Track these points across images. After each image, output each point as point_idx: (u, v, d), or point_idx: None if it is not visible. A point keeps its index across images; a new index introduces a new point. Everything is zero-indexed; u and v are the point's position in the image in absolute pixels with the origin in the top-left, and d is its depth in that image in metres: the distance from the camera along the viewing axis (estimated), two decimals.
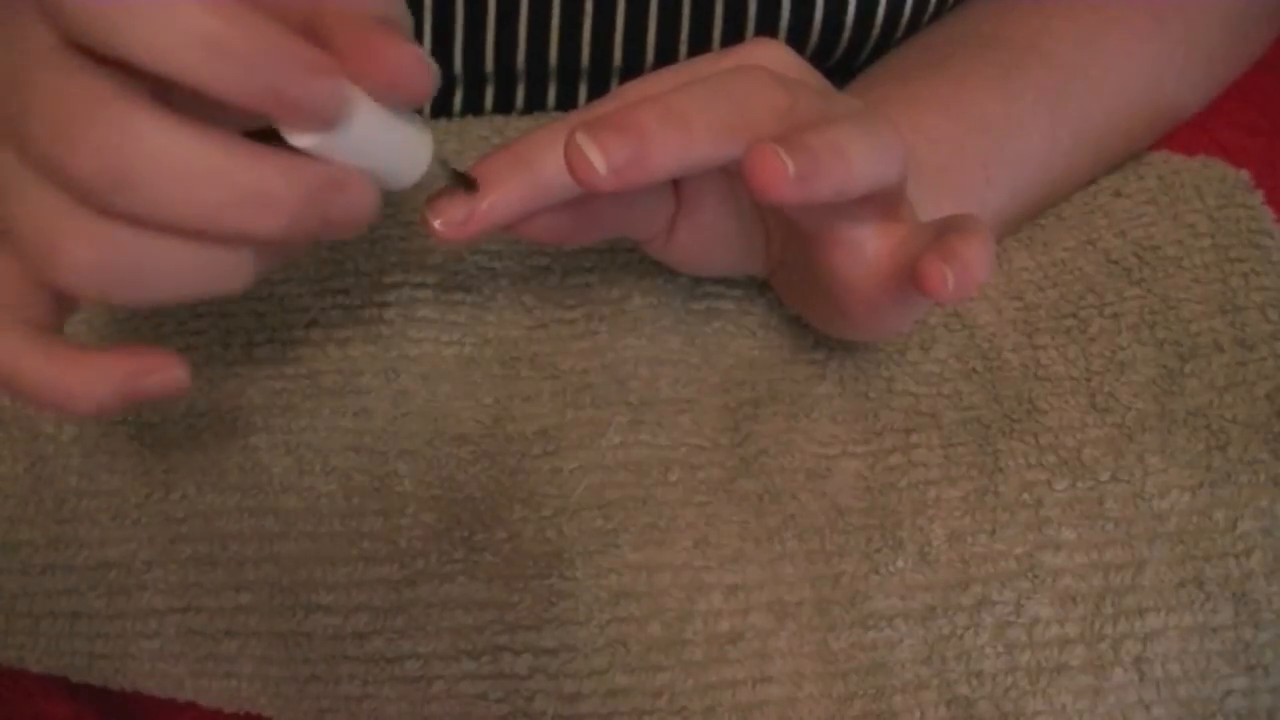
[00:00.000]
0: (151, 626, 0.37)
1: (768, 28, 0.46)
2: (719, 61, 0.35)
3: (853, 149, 0.31)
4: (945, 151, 0.42)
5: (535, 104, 0.50)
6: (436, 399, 0.40)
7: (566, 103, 0.50)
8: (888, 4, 0.47)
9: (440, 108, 0.50)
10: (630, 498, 0.38)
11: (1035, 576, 0.37)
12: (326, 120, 0.29)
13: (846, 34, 0.47)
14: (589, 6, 0.46)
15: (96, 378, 0.30)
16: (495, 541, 0.38)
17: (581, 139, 0.30)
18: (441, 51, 0.48)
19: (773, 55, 0.36)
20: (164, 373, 0.31)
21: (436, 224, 0.34)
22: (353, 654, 0.37)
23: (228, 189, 0.28)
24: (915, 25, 0.48)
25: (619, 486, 0.39)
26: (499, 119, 0.48)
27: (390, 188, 0.32)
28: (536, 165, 0.34)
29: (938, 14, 0.48)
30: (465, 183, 0.34)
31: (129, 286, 0.29)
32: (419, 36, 0.47)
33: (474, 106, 0.50)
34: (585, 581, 0.37)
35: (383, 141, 0.31)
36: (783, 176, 0.30)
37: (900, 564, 0.37)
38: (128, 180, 0.27)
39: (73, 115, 0.27)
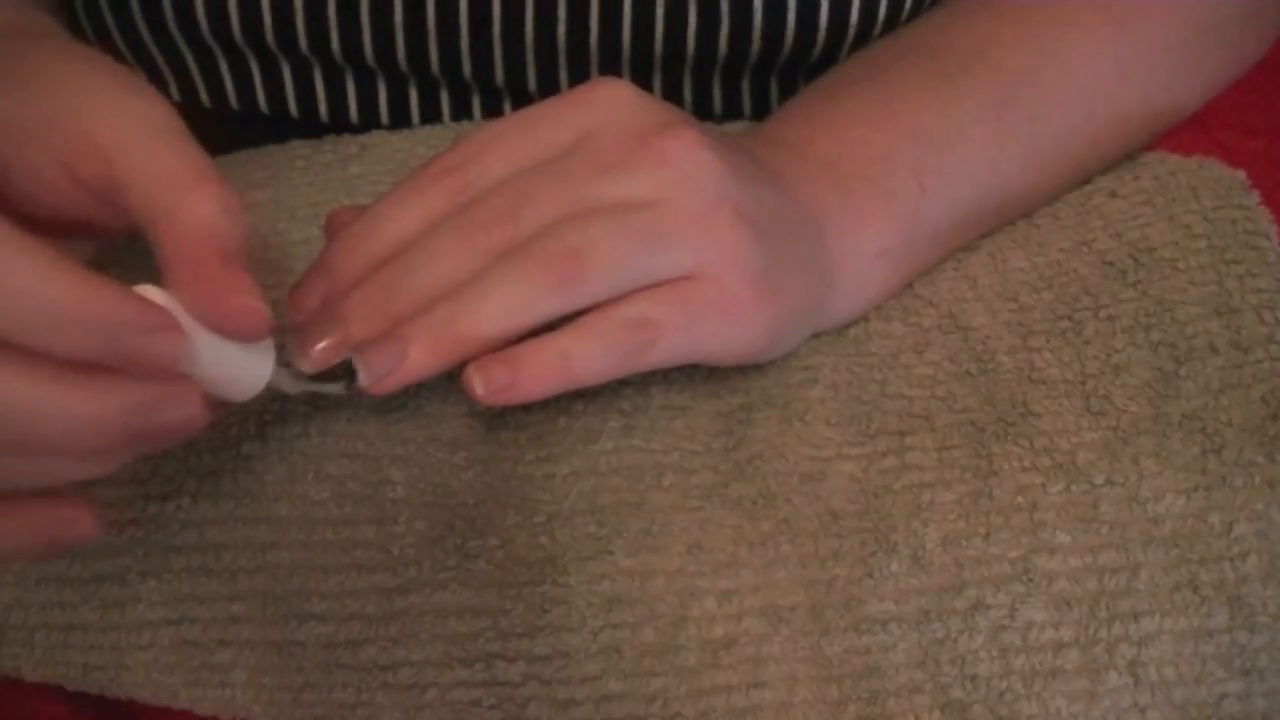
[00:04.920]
0: (146, 638, 0.38)
1: (741, 31, 0.46)
2: (557, 105, 0.38)
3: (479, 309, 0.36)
4: (870, 162, 0.41)
5: None
6: (429, 404, 0.40)
7: None
8: (860, 14, 0.46)
9: (462, 111, 0.51)
10: (623, 503, 0.38)
11: (1030, 580, 0.37)
12: (164, 369, 0.30)
13: (818, 49, 0.47)
14: (594, 26, 0.46)
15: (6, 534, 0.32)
16: (488, 548, 0.38)
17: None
18: (450, 57, 0.48)
19: (613, 95, 0.37)
20: (75, 526, 0.33)
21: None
22: (346, 662, 0.37)
23: (41, 423, 0.29)
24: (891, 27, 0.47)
25: (612, 492, 0.39)
26: None
27: (230, 399, 0.34)
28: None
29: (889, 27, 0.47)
30: (335, 382, 0.36)
31: None
32: (423, 53, 0.48)
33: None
34: (578, 588, 0.37)
35: (218, 363, 0.32)
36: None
37: (894, 568, 0.37)
38: None
39: None
